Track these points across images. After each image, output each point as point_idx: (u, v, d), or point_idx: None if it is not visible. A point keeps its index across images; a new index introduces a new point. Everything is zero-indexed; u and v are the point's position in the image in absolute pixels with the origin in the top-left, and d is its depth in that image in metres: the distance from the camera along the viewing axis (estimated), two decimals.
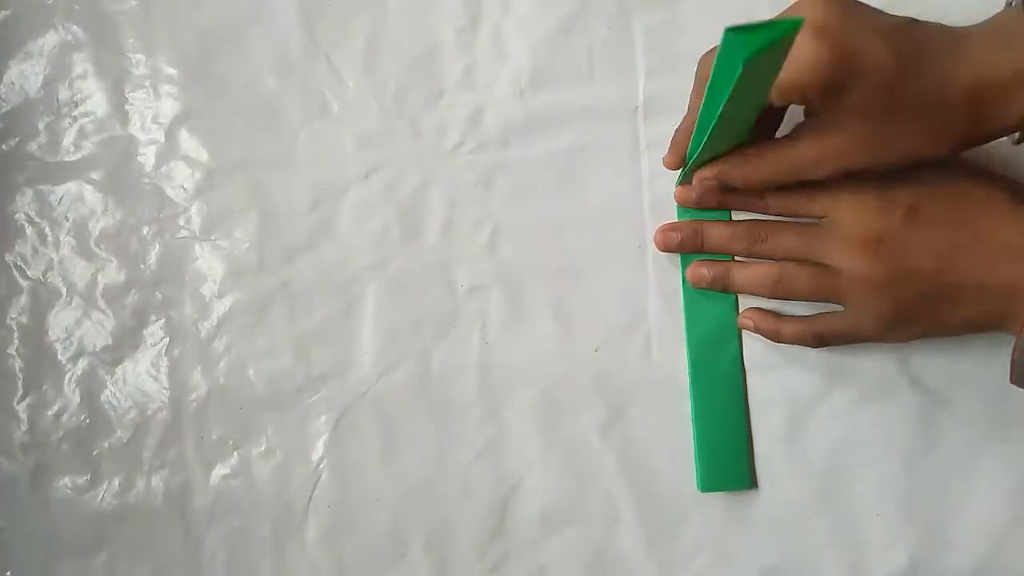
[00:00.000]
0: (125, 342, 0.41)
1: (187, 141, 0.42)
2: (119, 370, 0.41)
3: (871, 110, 0.29)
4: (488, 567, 0.39)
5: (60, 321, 0.42)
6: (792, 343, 0.35)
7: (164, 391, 0.41)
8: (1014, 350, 0.30)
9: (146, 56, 0.42)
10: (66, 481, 0.41)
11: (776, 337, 0.35)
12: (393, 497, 0.39)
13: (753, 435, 0.37)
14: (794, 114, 0.34)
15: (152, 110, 0.42)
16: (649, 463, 0.38)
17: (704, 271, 0.36)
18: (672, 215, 0.38)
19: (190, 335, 0.41)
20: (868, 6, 0.30)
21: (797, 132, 0.32)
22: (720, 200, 0.36)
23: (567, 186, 0.39)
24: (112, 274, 0.42)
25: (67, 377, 0.41)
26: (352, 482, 0.39)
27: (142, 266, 0.41)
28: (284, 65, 0.41)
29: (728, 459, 0.37)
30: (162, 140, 0.42)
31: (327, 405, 0.40)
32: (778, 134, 0.35)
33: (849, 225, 0.32)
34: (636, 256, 0.39)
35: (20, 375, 0.41)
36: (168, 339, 0.41)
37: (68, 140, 0.42)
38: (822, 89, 0.28)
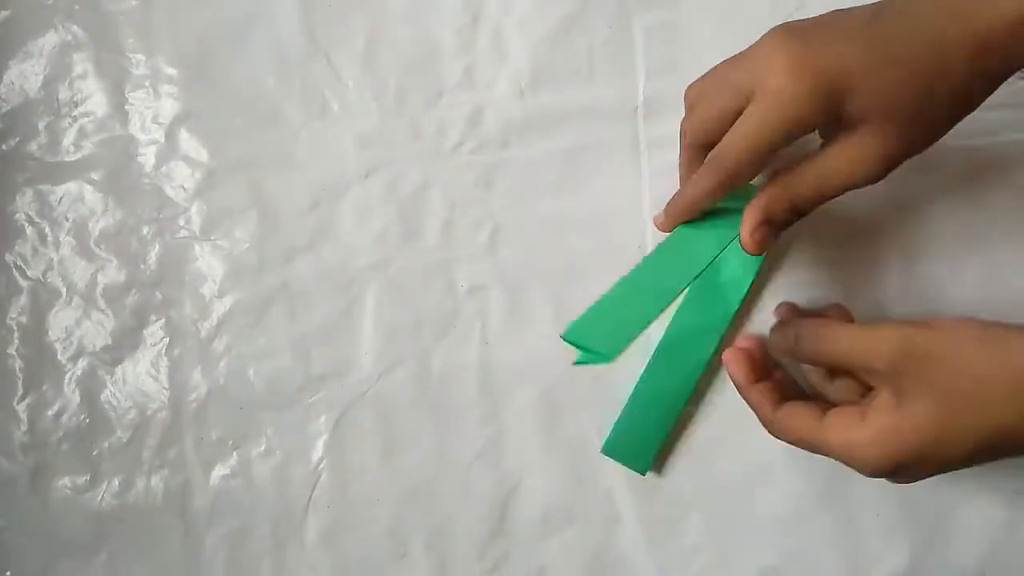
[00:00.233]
0: (125, 342, 0.41)
1: (187, 141, 0.42)
2: (119, 370, 0.41)
3: (880, 100, 0.28)
4: (488, 567, 0.39)
5: (60, 321, 0.42)
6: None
7: (164, 391, 0.41)
8: None
9: (146, 56, 0.42)
10: (66, 481, 0.41)
11: (743, 393, 0.35)
12: (393, 497, 0.39)
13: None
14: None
15: (152, 110, 0.42)
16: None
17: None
18: None
19: (190, 335, 0.41)
20: (824, 21, 0.29)
21: (824, 149, 0.31)
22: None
23: (567, 186, 0.39)
24: (112, 274, 0.42)
25: (67, 377, 0.41)
26: (352, 482, 0.39)
27: (142, 266, 0.41)
28: (284, 65, 0.41)
29: (639, 440, 0.37)
30: (162, 140, 0.42)
31: (327, 405, 0.40)
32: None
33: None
34: (636, 256, 0.39)
35: (20, 375, 0.41)
36: (168, 339, 0.41)
37: (68, 140, 0.42)
38: (820, 113, 0.28)
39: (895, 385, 0.29)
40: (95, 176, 0.42)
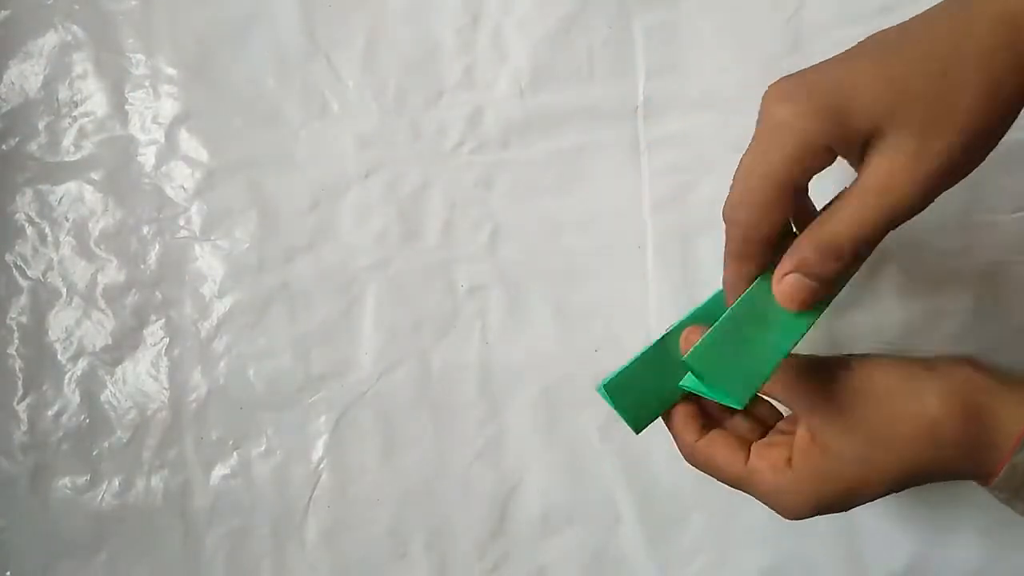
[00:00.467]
0: (125, 342, 0.41)
1: (187, 141, 0.42)
2: (119, 370, 0.41)
3: (886, 98, 0.25)
4: (488, 567, 0.39)
5: (60, 321, 0.42)
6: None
7: (164, 391, 0.41)
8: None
9: (146, 56, 0.42)
10: (66, 481, 0.41)
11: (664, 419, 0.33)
12: (393, 497, 0.39)
13: None
14: None
15: (152, 110, 0.42)
16: (649, 463, 0.38)
17: None
18: (672, 215, 0.38)
19: (190, 335, 0.41)
20: (822, 62, 0.27)
21: (857, 181, 0.27)
22: None
23: (567, 186, 0.39)
24: (112, 274, 0.42)
25: (67, 377, 0.41)
26: (352, 482, 0.39)
27: (142, 266, 0.41)
28: (284, 65, 0.41)
29: (640, 398, 0.32)
30: (162, 140, 0.42)
31: (327, 405, 0.40)
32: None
33: None
34: (636, 256, 0.39)
35: (20, 375, 0.41)
36: (168, 339, 0.41)
37: (68, 140, 0.42)
38: (826, 132, 0.25)
39: (814, 423, 0.29)
40: (95, 176, 0.42)
